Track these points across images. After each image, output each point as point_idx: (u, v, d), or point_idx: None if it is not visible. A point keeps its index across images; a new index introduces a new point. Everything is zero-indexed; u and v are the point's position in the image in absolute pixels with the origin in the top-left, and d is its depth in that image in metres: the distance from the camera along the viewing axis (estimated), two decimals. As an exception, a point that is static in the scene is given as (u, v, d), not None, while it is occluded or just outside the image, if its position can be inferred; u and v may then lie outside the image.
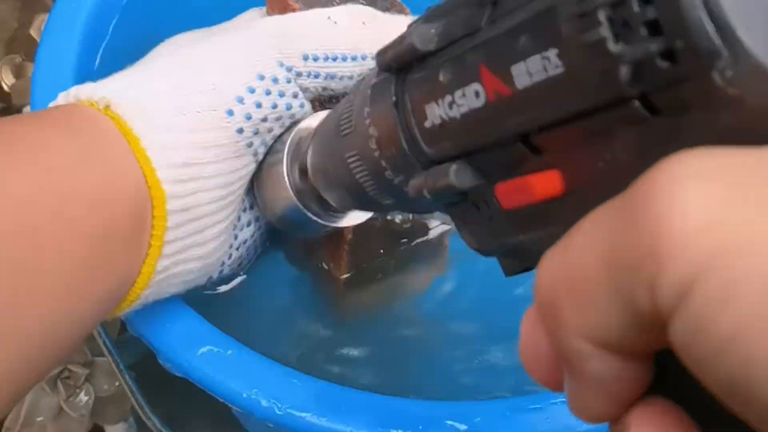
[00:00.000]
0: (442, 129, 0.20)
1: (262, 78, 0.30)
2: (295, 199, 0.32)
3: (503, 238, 0.20)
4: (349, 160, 0.25)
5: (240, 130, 0.29)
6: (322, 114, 0.32)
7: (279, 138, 0.32)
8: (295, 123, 0.32)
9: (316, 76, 0.31)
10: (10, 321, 0.23)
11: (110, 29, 0.40)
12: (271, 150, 0.32)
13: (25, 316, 0.23)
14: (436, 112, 0.20)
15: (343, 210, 0.32)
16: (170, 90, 0.29)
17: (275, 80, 0.30)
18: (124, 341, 0.41)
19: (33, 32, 0.47)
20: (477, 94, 0.19)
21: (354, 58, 0.32)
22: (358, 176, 0.25)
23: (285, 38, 0.31)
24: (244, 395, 0.30)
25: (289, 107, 0.31)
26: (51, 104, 0.30)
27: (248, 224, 0.33)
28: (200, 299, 0.34)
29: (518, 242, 0.20)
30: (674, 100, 0.14)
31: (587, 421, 0.15)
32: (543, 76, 0.16)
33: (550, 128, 0.17)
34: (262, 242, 0.36)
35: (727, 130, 0.13)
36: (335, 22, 0.32)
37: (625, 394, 0.14)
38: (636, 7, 0.14)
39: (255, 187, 0.33)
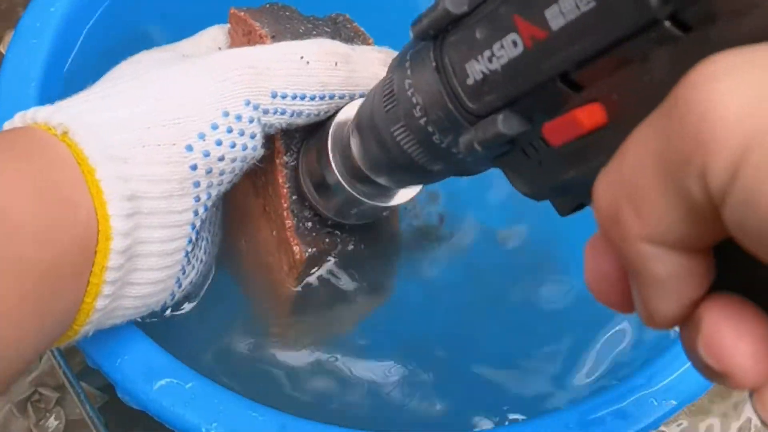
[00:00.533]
0: (484, 83, 0.22)
1: (226, 115, 0.29)
2: (346, 185, 0.32)
3: (555, 177, 0.22)
4: (396, 133, 0.27)
5: (194, 167, 0.28)
6: (358, 102, 0.32)
7: (319, 134, 0.33)
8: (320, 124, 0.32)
9: (282, 113, 0.31)
10: None
11: (78, 45, 0.40)
12: (311, 145, 0.33)
13: None
14: (476, 68, 0.22)
15: (396, 187, 0.33)
16: (132, 119, 0.28)
17: (239, 118, 0.29)
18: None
19: (3, 48, 0.46)
20: (515, 43, 0.20)
21: (322, 97, 0.31)
22: (406, 147, 0.26)
23: (255, 76, 0.30)
24: (203, 429, 0.29)
25: (244, 148, 0.30)
26: (6, 124, 0.28)
27: (191, 268, 0.31)
28: (153, 323, 0.33)
29: (570, 178, 0.21)
30: (703, 14, 0.15)
31: (659, 326, 0.16)
32: (576, 13, 0.18)
33: (587, 63, 0.18)
34: (208, 273, 0.35)
35: (754, 30, 0.14)
36: (307, 62, 0.31)
37: (691, 292, 0.15)
38: None
39: (304, 184, 0.34)
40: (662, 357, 0.34)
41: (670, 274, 0.15)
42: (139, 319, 0.31)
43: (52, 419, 0.42)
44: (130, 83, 0.29)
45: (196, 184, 0.29)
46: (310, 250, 0.34)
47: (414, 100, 0.25)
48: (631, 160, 0.15)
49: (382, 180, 0.31)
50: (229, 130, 0.29)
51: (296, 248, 0.34)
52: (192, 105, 0.28)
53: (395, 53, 0.32)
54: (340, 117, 0.32)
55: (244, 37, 0.34)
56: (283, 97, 0.30)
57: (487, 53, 0.21)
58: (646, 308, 0.16)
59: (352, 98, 0.32)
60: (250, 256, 0.38)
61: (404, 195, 0.33)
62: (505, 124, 0.21)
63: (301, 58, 0.31)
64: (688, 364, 0.33)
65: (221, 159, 0.29)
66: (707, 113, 0.13)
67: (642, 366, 0.34)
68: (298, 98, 0.31)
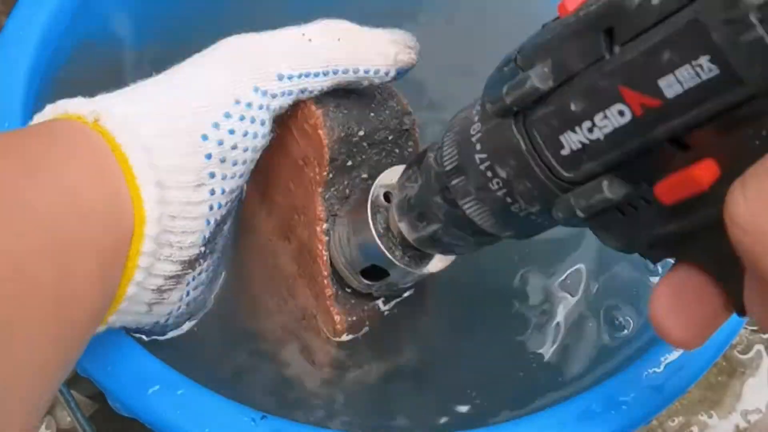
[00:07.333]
0: (583, 152, 0.22)
1: (237, 103, 0.29)
2: (385, 250, 0.32)
3: (654, 231, 0.22)
4: (466, 206, 0.27)
5: (209, 156, 0.29)
6: (399, 168, 0.33)
7: (357, 196, 0.33)
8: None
9: (289, 94, 0.31)
10: (36, 354, 0.22)
11: (62, 51, 0.40)
12: (351, 205, 0.34)
13: (48, 340, 0.23)
14: (574, 139, 0.22)
15: (441, 253, 0.33)
16: (154, 112, 0.28)
17: (249, 105, 0.30)
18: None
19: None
20: (621, 112, 0.20)
21: (326, 74, 0.31)
22: (477, 218, 0.27)
23: (261, 60, 0.30)
24: (196, 435, 0.29)
25: (255, 136, 0.30)
26: (37, 116, 0.29)
27: (199, 273, 0.31)
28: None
29: (669, 231, 0.21)
30: None
31: None
32: (696, 81, 0.18)
33: (702, 125, 0.18)
34: (210, 294, 0.35)
35: None
36: (309, 40, 0.31)
37: None
38: None
39: (337, 241, 0.34)
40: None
41: None
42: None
43: (42, 427, 0.41)
44: (152, 79, 0.30)
45: (212, 175, 0.29)
46: (349, 318, 0.35)
47: (489, 174, 0.25)
48: None
49: (432, 248, 0.31)
50: (242, 118, 0.29)
51: (337, 317, 0.34)
52: (205, 95, 0.29)
53: (405, 34, 0.32)
54: (381, 179, 0.33)
55: None
56: (290, 78, 0.31)
57: (586, 124, 0.21)
58: None
59: (356, 73, 0.32)
60: (280, 316, 0.37)
61: (440, 263, 0.34)
62: (611, 189, 0.21)
63: (303, 35, 0.31)
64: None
65: (234, 148, 0.29)
66: None
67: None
68: (303, 77, 0.31)
